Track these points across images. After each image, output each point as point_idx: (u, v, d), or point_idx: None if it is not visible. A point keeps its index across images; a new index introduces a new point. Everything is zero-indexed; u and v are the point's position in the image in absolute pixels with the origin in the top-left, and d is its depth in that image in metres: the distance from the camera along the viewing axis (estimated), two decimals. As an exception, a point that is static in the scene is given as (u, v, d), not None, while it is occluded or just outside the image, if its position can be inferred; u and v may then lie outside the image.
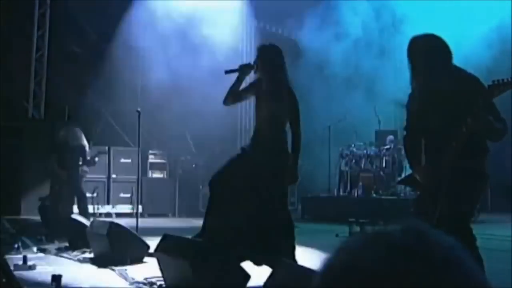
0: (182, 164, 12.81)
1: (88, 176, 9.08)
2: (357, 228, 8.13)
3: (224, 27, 12.64)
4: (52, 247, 6.98)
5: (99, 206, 10.95)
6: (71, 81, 11.83)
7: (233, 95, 5.37)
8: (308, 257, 5.59)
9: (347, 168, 11.91)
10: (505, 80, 3.44)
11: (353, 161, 11.82)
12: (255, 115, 5.44)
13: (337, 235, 7.90)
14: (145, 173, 12.16)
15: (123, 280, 5.15)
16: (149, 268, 5.48)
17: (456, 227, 3.43)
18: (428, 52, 3.80)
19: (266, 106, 5.22)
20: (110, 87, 12.16)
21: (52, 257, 6.43)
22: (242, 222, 5.08)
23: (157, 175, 12.65)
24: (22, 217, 10.32)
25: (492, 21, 10.87)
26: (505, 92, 3.47)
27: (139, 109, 7.68)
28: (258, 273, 4.44)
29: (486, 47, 10.47)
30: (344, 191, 11.79)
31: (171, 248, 4.63)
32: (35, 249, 6.79)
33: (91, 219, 7.45)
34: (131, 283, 5.02)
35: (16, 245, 6.37)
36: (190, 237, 5.23)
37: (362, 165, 11.69)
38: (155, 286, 4.84)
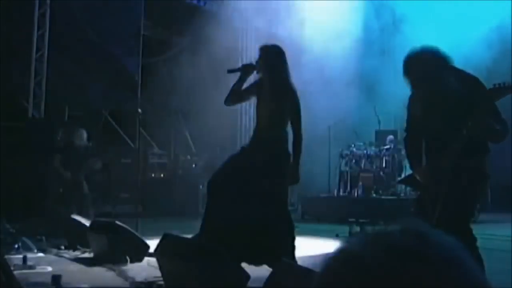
0: (182, 164, 12.80)
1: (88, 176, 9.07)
2: (357, 228, 8.14)
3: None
4: (52, 247, 6.98)
5: (99, 206, 10.93)
6: (71, 81, 11.82)
7: (235, 95, 5.36)
8: (308, 257, 5.59)
9: (347, 168, 11.90)
10: (506, 84, 3.44)
11: (353, 161, 11.81)
12: (256, 114, 5.43)
13: (337, 235, 7.90)
14: (145, 173, 12.16)
15: (123, 280, 5.15)
16: (149, 268, 5.47)
17: (456, 227, 3.43)
18: (422, 66, 3.81)
19: (267, 106, 5.21)
20: (110, 87, 12.15)
21: (52, 257, 6.42)
22: (242, 222, 5.07)
23: (157, 175, 12.65)
24: (22, 217, 10.30)
25: (492, 21, 10.84)
26: (505, 96, 3.48)
27: (139, 110, 7.69)
28: (258, 273, 4.44)
29: (486, 48, 10.45)
30: (344, 191, 11.77)
31: (171, 248, 4.62)
32: (35, 249, 6.79)
33: (91, 219, 7.45)
34: (131, 283, 5.01)
35: (16, 245, 6.37)
36: (190, 237, 5.23)
37: (362, 165, 11.68)
38: (154, 286, 4.83)
